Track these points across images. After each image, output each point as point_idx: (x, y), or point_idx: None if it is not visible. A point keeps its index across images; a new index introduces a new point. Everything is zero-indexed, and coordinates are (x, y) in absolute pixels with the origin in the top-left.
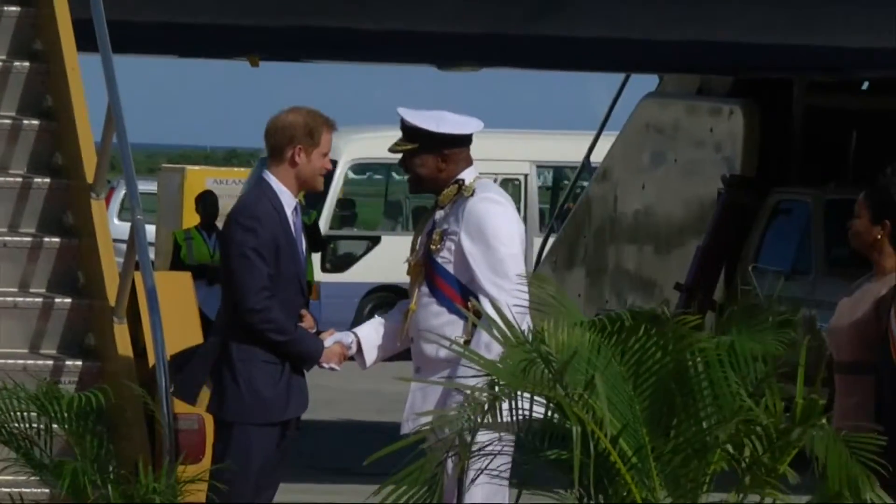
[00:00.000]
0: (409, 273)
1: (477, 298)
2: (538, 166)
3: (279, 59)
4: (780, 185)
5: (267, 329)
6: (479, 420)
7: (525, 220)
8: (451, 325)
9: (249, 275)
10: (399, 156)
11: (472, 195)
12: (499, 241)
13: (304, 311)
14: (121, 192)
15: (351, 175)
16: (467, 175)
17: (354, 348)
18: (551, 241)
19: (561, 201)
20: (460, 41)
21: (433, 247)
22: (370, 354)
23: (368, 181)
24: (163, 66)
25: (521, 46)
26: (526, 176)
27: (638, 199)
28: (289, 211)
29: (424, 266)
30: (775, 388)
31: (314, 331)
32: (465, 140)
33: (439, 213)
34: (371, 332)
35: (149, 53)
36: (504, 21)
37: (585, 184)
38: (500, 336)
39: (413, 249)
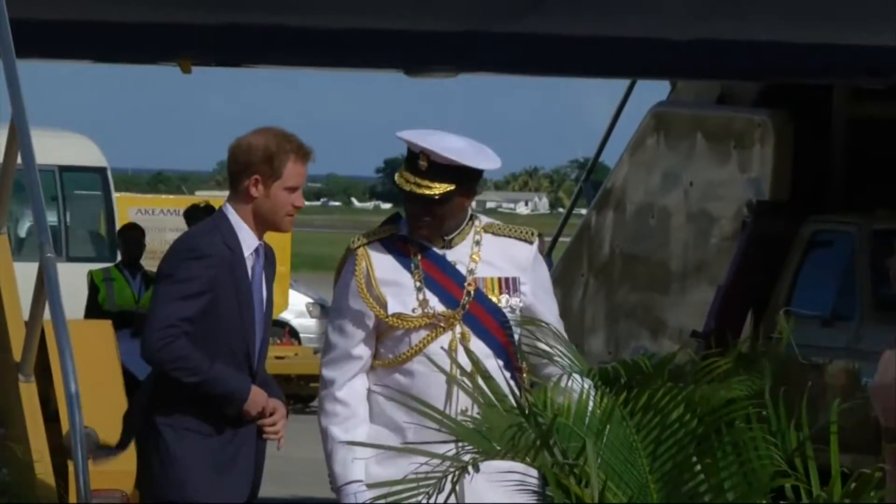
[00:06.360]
0: (408, 325)
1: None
2: None
3: (216, 63)
4: (817, 212)
5: (173, 369)
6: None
7: None
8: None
9: (161, 309)
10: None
11: (520, 235)
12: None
13: (274, 402)
14: (25, 225)
15: None
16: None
17: None
18: None
19: (555, 233)
20: (433, 42)
21: (495, 298)
22: None
23: None
24: (76, 73)
25: (507, 48)
26: None
27: (646, 230)
28: (247, 252)
29: (482, 322)
30: (811, 454)
31: (281, 416)
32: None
33: (453, 254)
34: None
35: (59, 58)
36: (486, 18)
37: (584, 211)
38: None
39: (391, 298)
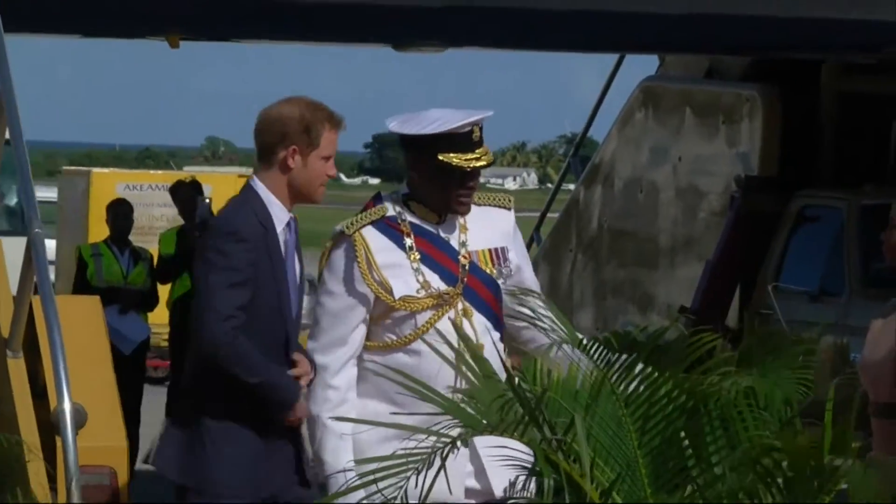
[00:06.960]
0: (415, 307)
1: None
2: None
3: (203, 38)
4: (805, 187)
5: (232, 367)
6: (424, 473)
7: None
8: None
9: (215, 299)
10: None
11: (498, 202)
12: None
13: (298, 356)
14: (12, 200)
15: None
16: None
17: None
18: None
19: (543, 208)
20: (422, 16)
21: (489, 270)
22: None
23: None
24: (63, 49)
25: (495, 22)
26: None
27: (634, 205)
28: (280, 227)
29: (480, 295)
30: (799, 426)
31: (310, 378)
32: None
33: (445, 228)
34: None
35: (46, 33)
36: None
37: (572, 186)
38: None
39: (394, 276)
